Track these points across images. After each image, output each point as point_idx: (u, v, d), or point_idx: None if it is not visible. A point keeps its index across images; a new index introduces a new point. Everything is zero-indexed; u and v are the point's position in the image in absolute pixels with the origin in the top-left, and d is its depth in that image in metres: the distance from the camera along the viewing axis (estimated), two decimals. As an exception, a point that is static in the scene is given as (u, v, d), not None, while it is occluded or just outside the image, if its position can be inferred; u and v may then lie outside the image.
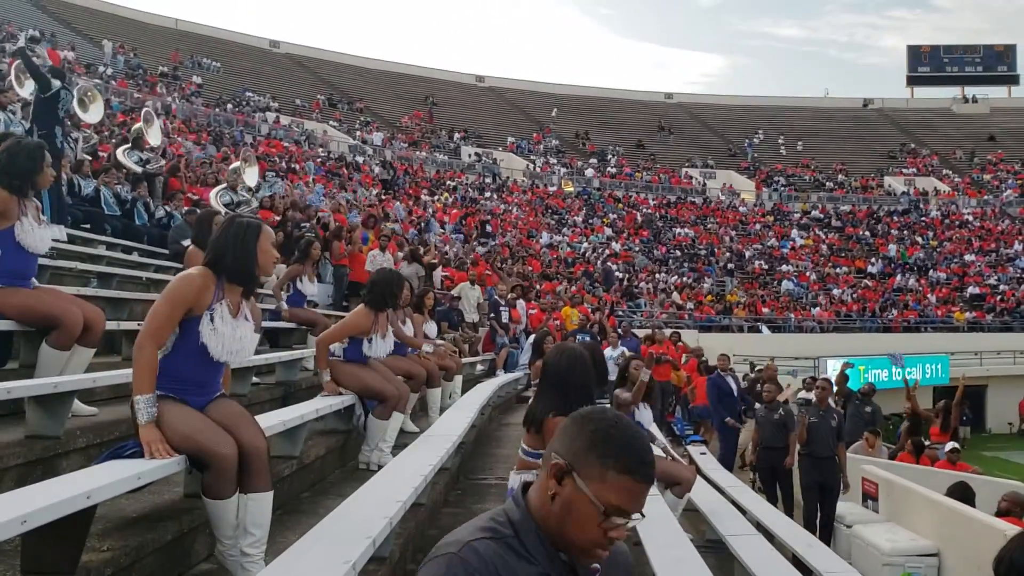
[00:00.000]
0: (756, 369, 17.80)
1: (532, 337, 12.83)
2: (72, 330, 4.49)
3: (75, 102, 10.15)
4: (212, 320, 3.53)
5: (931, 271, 38.35)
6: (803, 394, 17.32)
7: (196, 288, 3.52)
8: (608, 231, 39.67)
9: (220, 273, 3.62)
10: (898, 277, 37.74)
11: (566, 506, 1.67)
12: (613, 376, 8.38)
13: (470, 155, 45.77)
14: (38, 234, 4.65)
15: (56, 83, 9.63)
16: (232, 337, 3.59)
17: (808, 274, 37.68)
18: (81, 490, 2.80)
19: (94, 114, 12.52)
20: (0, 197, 4.53)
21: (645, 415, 7.04)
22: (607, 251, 36.86)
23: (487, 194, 40.45)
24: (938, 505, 8.42)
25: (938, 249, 40.73)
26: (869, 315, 33.95)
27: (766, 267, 38.35)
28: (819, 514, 9.40)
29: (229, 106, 38.49)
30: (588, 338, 15.48)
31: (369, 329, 5.91)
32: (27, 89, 10.96)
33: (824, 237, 42.26)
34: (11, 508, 2.51)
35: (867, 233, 42.60)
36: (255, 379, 6.62)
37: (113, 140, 14.35)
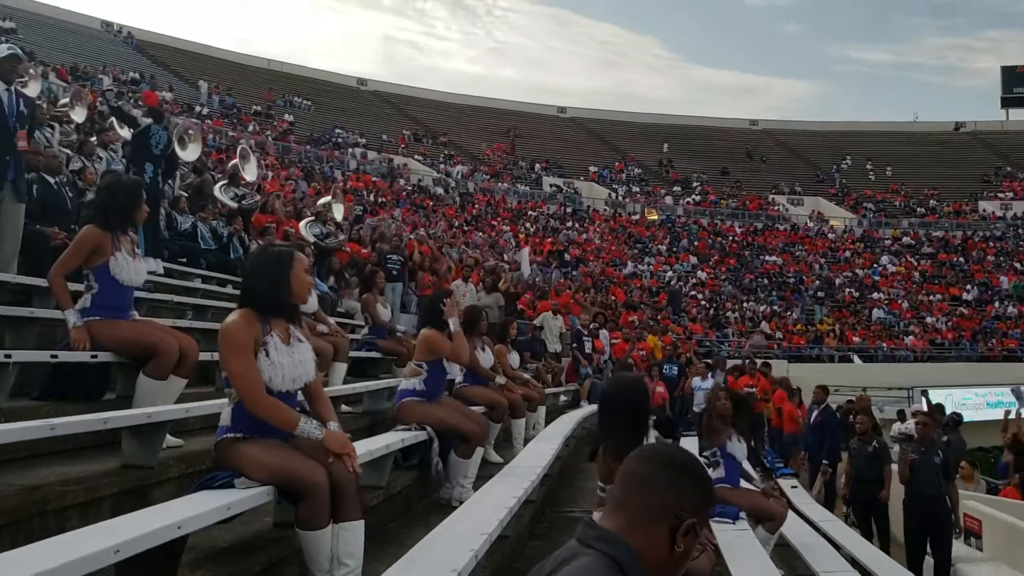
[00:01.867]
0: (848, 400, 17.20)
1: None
2: (168, 359, 4.60)
3: (175, 140, 10.43)
4: (268, 355, 3.53)
5: (1031, 298, 36.77)
6: (900, 427, 16.58)
7: (243, 329, 3.54)
8: (693, 259, 39.23)
9: (256, 308, 3.62)
10: (996, 304, 36.34)
11: (685, 554, 1.71)
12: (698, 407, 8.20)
13: (551, 186, 45.92)
14: (133, 267, 4.78)
15: (146, 120, 9.96)
16: (291, 364, 3.59)
17: (900, 302, 36.58)
18: (172, 520, 2.85)
19: (192, 152, 12.89)
20: (94, 234, 4.67)
21: (739, 448, 6.78)
22: (693, 280, 36.43)
23: (568, 223, 40.46)
24: (1048, 544, 8.01)
25: (1039, 275, 39.08)
26: (966, 344, 32.72)
27: (856, 295, 37.36)
28: (928, 558, 8.95)
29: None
30: (676, 368, 15.37)
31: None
32: (128, 129, 11.33)
33: (916, 264, 41.00)
34: (105, 538, 2.55)
35: (961, 259, 41.21)
36: (344, 407, 6.70)
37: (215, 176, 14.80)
